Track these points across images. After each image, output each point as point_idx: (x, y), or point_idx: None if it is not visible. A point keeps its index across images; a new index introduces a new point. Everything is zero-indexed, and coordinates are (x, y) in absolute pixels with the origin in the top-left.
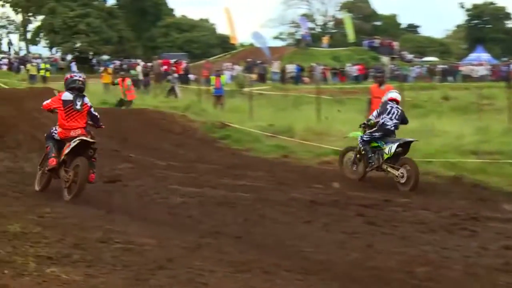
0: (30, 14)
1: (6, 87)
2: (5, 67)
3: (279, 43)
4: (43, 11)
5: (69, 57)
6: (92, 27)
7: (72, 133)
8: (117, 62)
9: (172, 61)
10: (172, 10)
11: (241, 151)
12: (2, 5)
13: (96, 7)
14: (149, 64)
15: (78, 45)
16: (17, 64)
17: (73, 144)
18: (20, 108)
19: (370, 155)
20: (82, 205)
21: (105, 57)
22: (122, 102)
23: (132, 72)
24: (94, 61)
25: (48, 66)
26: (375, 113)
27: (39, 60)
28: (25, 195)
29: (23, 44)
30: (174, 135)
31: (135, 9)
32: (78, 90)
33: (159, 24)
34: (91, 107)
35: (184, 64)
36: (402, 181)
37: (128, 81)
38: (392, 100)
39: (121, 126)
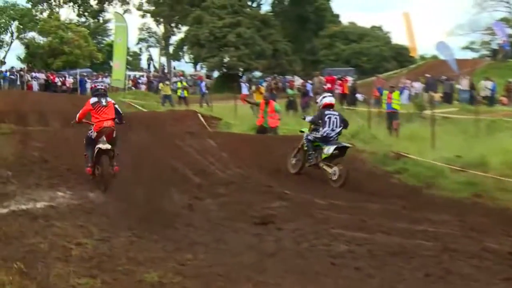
0: (173, 25)
1: (144, 110)
2: (143, 87)
3: (469, 55)
4: (187, 21)
5: (215, 74)
6: (243, 38)
7: (105, 124)
8: (271, 80)
9: (336, 77)
10: (337, 16)
11: (420, 189)
12: (143, 16)
13: (248, 15)
14: (309, 81)
15: (226, 59)
16: (157, 83)
17: (96, 150)
18: (159, 135)
19: (310, 153)
20: (228, 251)
21: (257, 73)
22: (263, 129)
23: (289, 91)
24: (243, 78)
25: (185, 84)
26: (311, 117)
27: (179, 78)
28: (164, 238)
29: (164, 59)
30: None
31: (293, 17)
32: (101, 95)
33: (321, 33)
34: (114, 104)
35: (350, 81)
36: (334, 178)
37: (276, 106)
38: (327, 105)
39: (272, 156)
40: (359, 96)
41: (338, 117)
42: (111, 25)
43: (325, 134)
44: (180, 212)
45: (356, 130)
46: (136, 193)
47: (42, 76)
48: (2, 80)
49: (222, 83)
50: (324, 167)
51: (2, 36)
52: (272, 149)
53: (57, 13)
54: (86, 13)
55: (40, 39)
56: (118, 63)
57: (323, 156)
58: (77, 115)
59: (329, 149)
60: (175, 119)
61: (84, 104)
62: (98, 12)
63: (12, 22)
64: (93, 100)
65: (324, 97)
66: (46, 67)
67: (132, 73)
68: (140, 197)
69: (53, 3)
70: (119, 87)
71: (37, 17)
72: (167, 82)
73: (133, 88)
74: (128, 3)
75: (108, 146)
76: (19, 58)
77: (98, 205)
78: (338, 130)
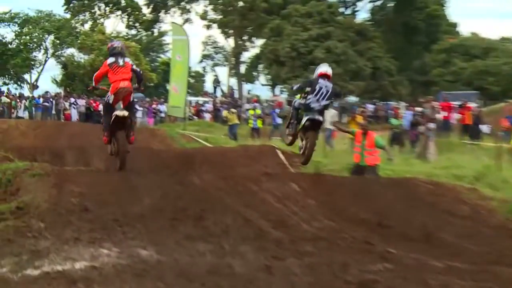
0: (245, 37)
1: (209, 144)
2: (208, 116)
3: None
4: (264, 33)
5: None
6: (333, 54)
7: (121, 84)
8: (369, 106)
9: (454, 104)
10: (454, 25)
11: None
12: (208, 26)
13: (340, 24)
14: (419, 109)
15: None
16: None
17: (112, 118)
18: (228, 177)
19: (291, 121)
20: None
21: (352, 98)
22: (359, 169)
23: (393, 121)
24: (335, 104)
25: (259, 112)
26: (302, 85)
27: (252, 105)
28: None
29: (234, 81)
30: (458, 220)
31: (398, 27)
32: (119, 54)
33: (434, 47)
34: (133, 65)
35: (473, 108)
36: (300, 152)
37: (378, 140)
38: (322, 75)
39: (372, 205)
40: (484, 128)
41: (330, 90)
42: (167, 39)
43: (308, 102)
44: (255, 275)
45: (481, 172)
46: (199, 251)
47: (82, 102)
48: (34, 108)
49: None
50: (298, 139)
51: (34, 54)
52: (372, 195)
53: (102, 24)
54: (137, 24)
55: (81, 57)
56: (176, 86)
57: (299, 126)
58: (93, 78)
59: (303, 120)
60: (248, 157)
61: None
62: (152, 22)
63: (46, 36)
64: (110, 60)
65: (320, 66)
66: (87, 92)
67: (194, 99)
68: (204, 257)
69: (97, 12)
70: (178, 116)
71: (77, 30)
72: (233, 110)
73: (195, 117)
74: (189, 11)
75: (125, 113)
76: (54, 81)
77: (152, 266)
78: (323, 103)
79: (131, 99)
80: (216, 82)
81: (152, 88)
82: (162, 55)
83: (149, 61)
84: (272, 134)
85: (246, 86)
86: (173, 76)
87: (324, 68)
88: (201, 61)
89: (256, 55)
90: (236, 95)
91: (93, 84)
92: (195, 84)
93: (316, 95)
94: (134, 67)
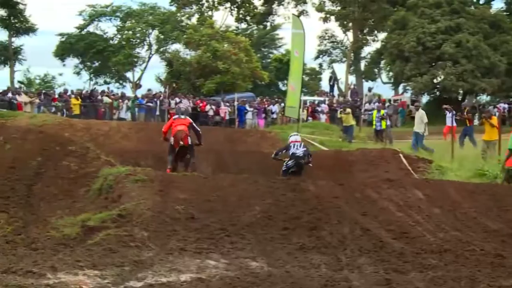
0: (366, 31)
1: (324, 148)
2: (324, 117)
3: None
4: (386, 26)
5: (424, 98)
6: (464, 48)
7: (178, 127)
8: (504, 106)
9: None
10: None
11: None
12: (325, 19)
13: (472, 15)
14: None
15: (439, 78)
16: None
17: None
18: (345, 183)
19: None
20: None
21: (484, 97)
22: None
23: None
24: (465, 103)
25: (382, 113)
26: (279, 150)
27: (374, 105)
28: None
29: (353, 79)
30: None
31: None
32: (181, 112)
33: None
34: (191, 122)
35: None
36: None
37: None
38: (293, 142)
39: (506, 215)
40: None
41: (301, 144)
42: (280, 33)
43: (291, 152)
44: None
45: None
46: (313, 263)
47: (188, 103)
48: (136, 109)
49: (434, 111)
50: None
51: (137, 50)
52: (507, 203)
53: (210, 17)
54: (248, 18)
55: (187, 53)
56: (294, 84)
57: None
58: (162, 130)
59: (289, 162)
60: (368, 162)
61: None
62: (264, 15)
63: (150, 31)
64: (175, 117)
65: (290, 136)
66: (194, 91)
67: (309, 98)
68: (319, 269)
69: (205, 5)
70: (292, 117)
71: (183, 24)
72: (348, 110)
73: (309, 118)
74: (305, 3)
75: (185, 144)
76: (158, 79)
77: (262, 279)
78: (301, 149)
79: (190, 142)
80: (333, 80)
81: (263, 86)
82: (274, 51)
83: (260, 58)
84: (378, 137)
85: (366, 84)
86: (292, 74)
87: (294, 138)
88: (317, 57)
89: (377, 50)
90: (355, 95)
91: (163, 136)
92: (310, 82)
93: (293, 148)
94: (194, 124)
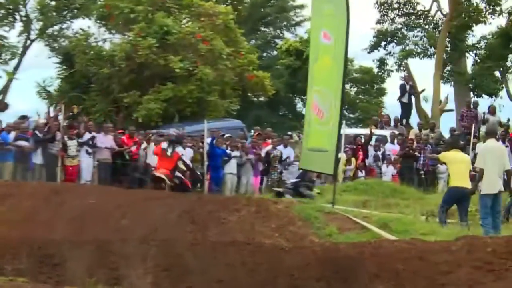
0: None
1: (389, 236)
2: (389, 170)
3: None
4: None
5: None
6: None
7: (157, 171)
8: None
9: None
10: None
11: None
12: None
13: None
14: None
15: None
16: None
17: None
18: None
19: None
20: None
21: None
22: None
23: None
24: None
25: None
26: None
27: None
28: None
29: (449, 90)
30: None
31: None
32: (172, 141)
33: None
34: (182, 155)
35: None
36: None
37: None
38: None
39: None
40: None
41: None
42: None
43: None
44: None
45: None
46: None
47: (109, 141)
48: None
49: None
50: None
51: None
52: None
53: None
54: None
55: (104, 39)
56: (320, 100)
57: None
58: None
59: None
60: (477, 266)
61: None
62: None
63: None
64: (163, 146)
65: None
66: (117, 117)
67: (357, 131)
68: None
69: None
70: (319, 172)
71: None
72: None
73: (360, 173)
74: None
75: (160, 175)
76: (43, 93)
77: None
78: None
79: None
80: (408, 91)
81: (263, 107)
82: (287, 33)
83: (258, 47)
84: None
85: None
86: (315, 80)
87: None
88: (374, 48)
89: (502, 31)
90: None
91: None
92: (360, 97)
93: None
94: (184, 159)
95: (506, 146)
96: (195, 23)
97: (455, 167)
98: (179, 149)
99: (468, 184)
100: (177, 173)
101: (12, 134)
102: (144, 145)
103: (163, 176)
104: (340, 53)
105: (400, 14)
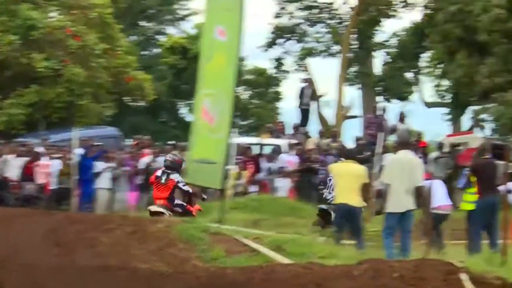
0: None
1: (284, 259)
2: (285, 185)
3: None
4: None
5: None
6: None
7: (155, 204)
8: None
9: None
10: None
11: None
12: None
13: None
14: None
15: None
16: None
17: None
18: None
19: None
20: None
21: None
22: None
23: None
24: None
25: None
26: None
27: None
28: None
29: (355, 94)
30: None
31: None
32: (166, 168)
33: None
34: (178, 182)
35: None
36: None
37: None
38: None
39: None
40: None
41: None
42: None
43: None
44: None
45: None
46: None
47: None
48: None
49: None
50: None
51: None
52: None
53: None
54: None
55: None
56: (211, 105)
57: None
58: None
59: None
60: None
61: None
62: None
63: None
64: (158, 173)
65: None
66: None
67: (249, 141)
68: None
69: None
70: (210, 188)
71: None
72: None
73: (251, 188)
74: None
75: (157, 210)
76: None
77: None
78: (333, 193)
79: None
80: (308, 95)
81: (142, 113)
82: (171, 28)
83: (138, 44)
84: None
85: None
86: (206, 81)
87: None
88: (271, 46)
89: (414, 28)
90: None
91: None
92: (253, 103)
93: (328, 187)
94: (181, 185)
95: (420, 157)
96: (65, 16)
97: (341, 181)
98: (173, 176)
99: (355, 201)
100: (177, 201)
101: None
102: (3, 157)
103: (161, 210)
104: (233, 51)
105: (301, 7)
